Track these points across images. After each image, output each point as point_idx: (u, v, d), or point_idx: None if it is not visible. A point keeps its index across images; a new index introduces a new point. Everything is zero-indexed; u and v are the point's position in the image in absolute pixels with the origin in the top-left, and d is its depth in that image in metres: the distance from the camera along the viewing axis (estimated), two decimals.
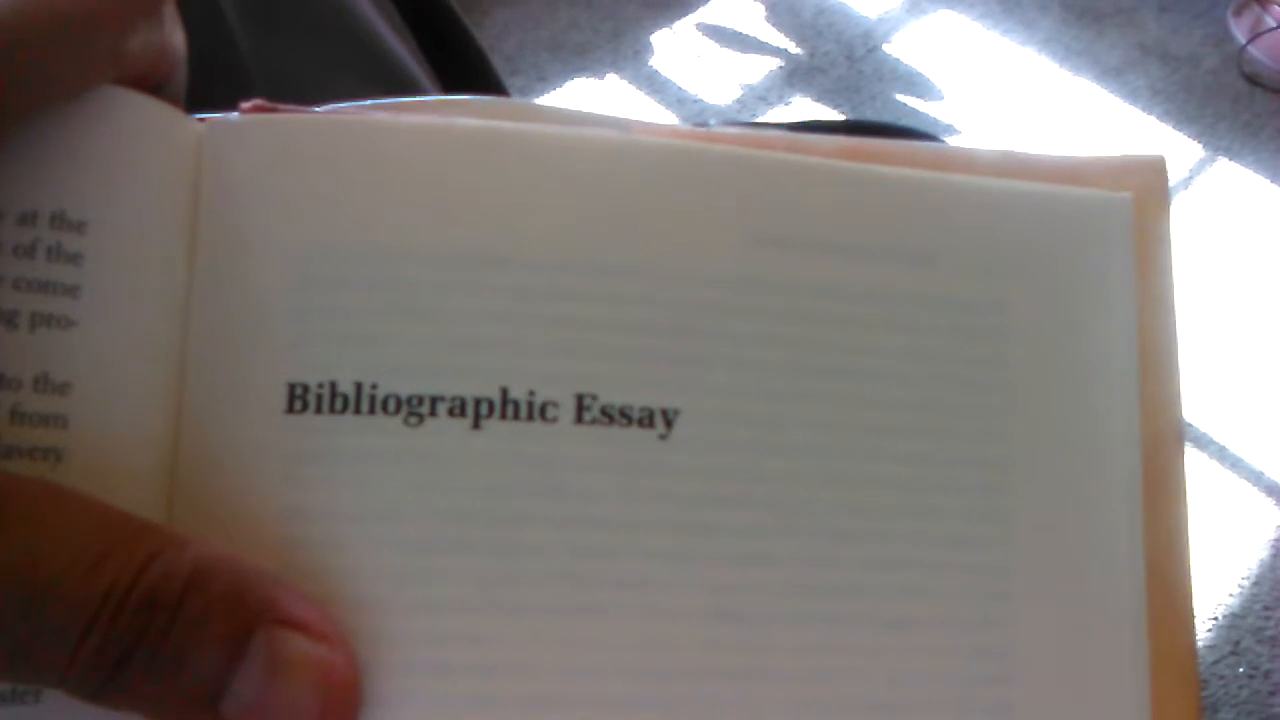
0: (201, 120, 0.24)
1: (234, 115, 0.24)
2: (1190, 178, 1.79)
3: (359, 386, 0.23)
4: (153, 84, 0.24)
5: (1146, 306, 0.27)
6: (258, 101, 0.24)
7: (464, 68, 0.54)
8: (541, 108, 0.26)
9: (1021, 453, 0.26)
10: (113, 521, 0.21)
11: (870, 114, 1.83)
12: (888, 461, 0.25)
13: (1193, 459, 1.42)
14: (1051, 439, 0.26)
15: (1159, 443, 0.27)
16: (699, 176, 0.25)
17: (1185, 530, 0.27)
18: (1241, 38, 1.97)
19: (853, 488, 0.25)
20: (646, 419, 0.24)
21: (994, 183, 0.27)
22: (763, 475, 0.25)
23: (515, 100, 0.27)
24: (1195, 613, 0.26)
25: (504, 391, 0.24)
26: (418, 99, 0.27)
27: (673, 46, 1.90)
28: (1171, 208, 0.28)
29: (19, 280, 0.22)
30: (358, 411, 0.23)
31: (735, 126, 0.28)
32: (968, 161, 0.27)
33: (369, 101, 0.26)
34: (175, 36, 0.25)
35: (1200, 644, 1.29)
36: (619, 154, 0.25)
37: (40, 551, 0.19)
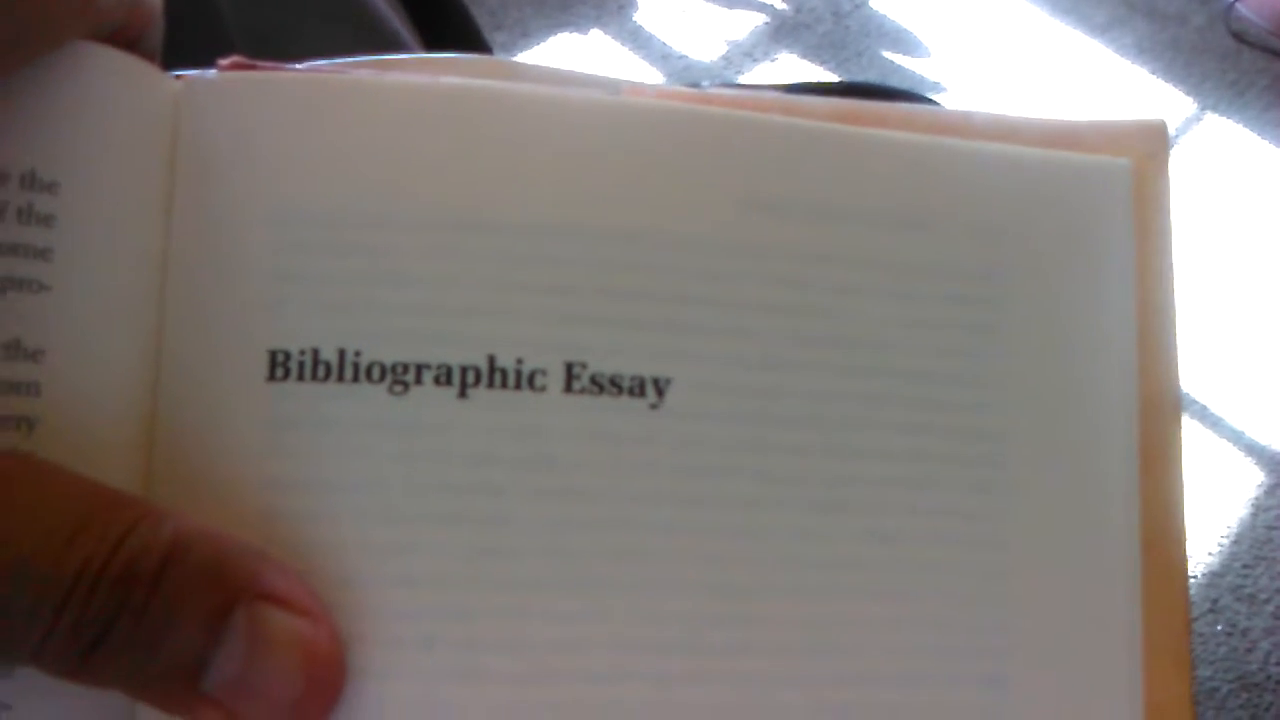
0: (178, 78, 0.23)
1: (212, 72, 0.24)
2: (1177, 136, 1.78)
3: (342, 354, 0.23)
4: (128, 39, 0.23)
5: (1145, 273, 0.27)
6: (236, 58, 0.24)
7: (446, 24, 0.53)
8: (530, 67, 0.25)
9: (1017, 423, 0.25)
10: (87, 493, 0.20)
11: (856, 70, 1.82)
12: (882, 431, 0.25)
13: None
14: (1048, 409, 0.26)
15: (1156, 410, 0.26)
16: (692, 139, 0.24)
17: (1181, 499, 0.26)
18: None
19: (846, 458, 0.24)
20: (637, 388, 0.24)
21: (991, 147, 0.26)
22: (755, 445, 0.24)
23: (503, 59, 0.26)
24: (1189, 584, 0.26)
25: (491, 359, 0.23)
26: (401, 56, 0.26)
27: (657, 2, 1.88)
28: (1170, 173, 0.27)
29: None
30: (341, 379, 0.23)
31: (729, 87, 0.27)
32: (964, 125, 0.27)
33: (351, 59, 0.25)
34: None
35: None
36: (610, 115, 0.24)
37: (10, 528, 0.19)
